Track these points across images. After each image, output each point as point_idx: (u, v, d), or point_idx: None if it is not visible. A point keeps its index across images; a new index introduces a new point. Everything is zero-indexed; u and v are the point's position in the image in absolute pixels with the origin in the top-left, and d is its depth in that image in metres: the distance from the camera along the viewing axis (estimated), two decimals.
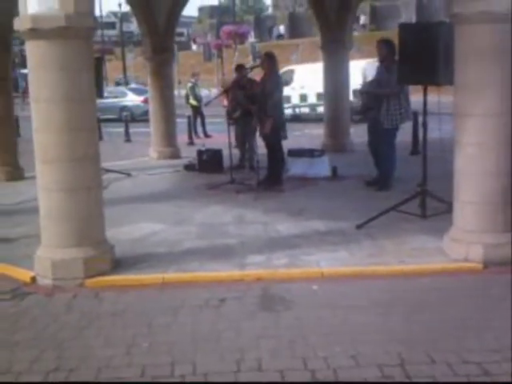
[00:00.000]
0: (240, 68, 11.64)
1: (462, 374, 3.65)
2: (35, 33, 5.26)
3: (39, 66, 5.37)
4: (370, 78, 8.78)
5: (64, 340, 4.39)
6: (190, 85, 19.35)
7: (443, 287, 5.13)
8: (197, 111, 18.65)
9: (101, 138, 17.50)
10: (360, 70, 17.47)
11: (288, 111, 18.76)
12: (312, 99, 21.56)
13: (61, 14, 5.18)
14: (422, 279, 5.31)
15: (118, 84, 39.85)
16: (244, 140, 10.92)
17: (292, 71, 23.69)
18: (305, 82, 21.65)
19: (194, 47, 57.57)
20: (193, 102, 18.70)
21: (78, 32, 5.35)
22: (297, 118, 21.36)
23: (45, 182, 5.48)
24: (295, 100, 22.31)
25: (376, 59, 9.21)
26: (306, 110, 22.01)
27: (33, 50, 5.40)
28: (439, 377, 3.63)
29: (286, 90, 20.45)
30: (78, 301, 5.16)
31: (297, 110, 21.82)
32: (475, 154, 5.55)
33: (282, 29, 43.99)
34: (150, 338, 4.36)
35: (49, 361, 4.06)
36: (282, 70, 23.90)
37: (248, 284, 5.33)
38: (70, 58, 5.32)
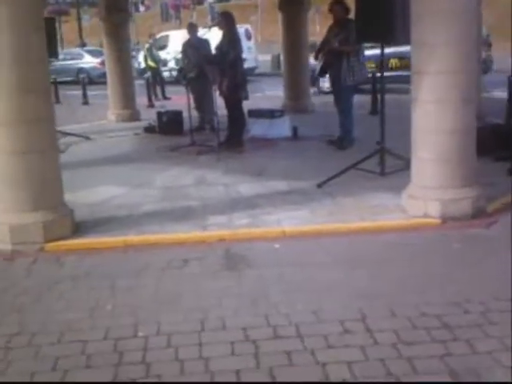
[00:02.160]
0: (191, 27, 11.52)
1: (421, 327, 3.74)
2: None
3: None
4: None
5: (25, 304, 4.34)
6: (147, 46, 19.04)
7: (403, 243, 5.22)
8: (155, 72, 18.39)
9: (58, 100, 17.24)
10: None
11: (165, 74, 19.20)
12: (171, 64, 21.21)
13: None
14: (382, 236, 5.39)
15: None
16: (202, 101, 10.82)
17: (167, 37, 24.09)
18: (179, 46, 21.45)
19: (142, 9, 56.46)
20: (151, 63, 18.43)
21: None
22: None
23: None
24: (171, 64, 22.04)
25: None
26: (166, 73, 21.68)
27: None
28: (399, 330, 3.71)
29: (162, 55, 20.53)
30: (39, 265, 5.10)
31: (173, 73, 21.57)
32: (432, 111, 5.60)
33: None
34: (113, 300, 4.34)
35: (10, 325, 4.02)
36: (158, 35, 24.12)
37: (210, 245, 5.34)
38: (19, 18, 5.16)
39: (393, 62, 15.56)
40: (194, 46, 10.46)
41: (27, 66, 5.24)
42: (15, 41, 5.16)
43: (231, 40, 8.88)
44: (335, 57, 8.55)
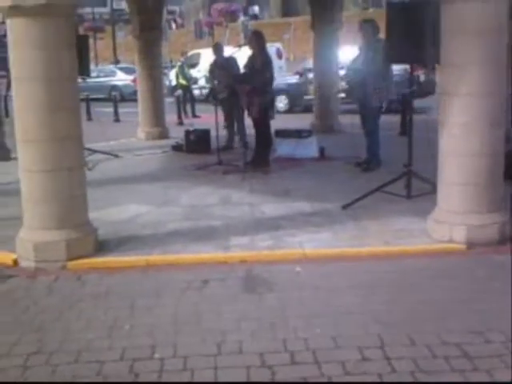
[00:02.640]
0: (217, 47, 11.59)
1: (440, 356, 3.66)
2: (15, 10, 5.17)
3: (19, 45, 5.29)
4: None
5: (45, 323, 4.37)
6: (179, 64, 19.23)
7: (426, 268, 5.14)
8: (186, 90, 18.54)
9: (90, 117, 17.49)
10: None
11: (196, 92, 19.60)
12: (202, 82, 21.23)
13: None
14: (405, 260, 5.32)
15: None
16: (233, 120, 10.88)
17: (198, 55, 24.06)
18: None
19: (174, 26, 56.90)
20: (182, 81, 18.59)
21: (59, 9, 5.27)
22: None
23: (26, 163, 5.44)
24: (201, 82, 22.06)
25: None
26: (197, 91, 21.63)
27: (13, 28, 5.32)
28: (418, 358, 3.64)
29: (193, 73, 20.58)
30: (60, 283, 5.14)
31: (203, 91, 21.58)
32: (459, 135, 5.53)
33: (256, 9, 43.45)
34: (132, 320, 4.35)
35: (29, 344, 4.04)
36: (190, 53, 24.15)
37: (231, 266, 5.33)
38: (51, 36, 5.24)
39: None
40: (222, 66, 10.51)
41: (57, 84, 5.31)
42: (46, 58, 5.25)
43: (265, 61, 8.90)
44: (361, 78, 8.51)
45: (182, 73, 18.66)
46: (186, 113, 18.00)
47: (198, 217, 6.78)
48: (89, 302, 4.72)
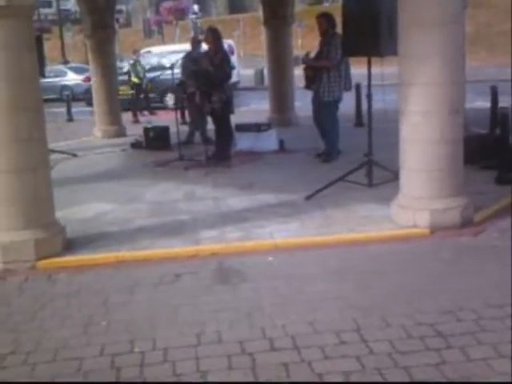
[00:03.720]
0: (195, 41, 11.61)
1: (416, 336, 3.77)
2: None
3: None
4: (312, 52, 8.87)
5: (19, 323, 4.32)
6: (131, 62, 19.02)
7: (393, 253, 5.27)
8: (139, 88, 18.36)
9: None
10: None
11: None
12: None
13: None
14: (372, 246, 5.44)
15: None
16: (194, 115, 10.82)
17: (149, 53, 24.14)
18: (162, 61, 21.39)
19: (117, 26, 56.16)
20: (134, 79, 18.38)
21: (19, 10, 5.23)
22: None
23: None
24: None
25: None
26: None
27: None
28: (394, 339, 3.75)
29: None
30: (31, 283, 5.08)
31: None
32: (420, 122, 5.67)
33: (196, 7, 43.66)
34: (108, 316, 4.34)
35: (4, 344, 4.00)
36: (142, 51, 24.02)
37: (203, 259, 5.36)
38: (11, 38, 5.19)
39: None
40: (195, 61, 10.45)
41: (20, 85, 5.26)
42: (7, 59, 5.19)
43: (224, 57, 8.94)
44: (315, 71, 8.62)
45: (135, 71, 18.47)
46: (140, 111, 17.81)
47: (164, 212, 6.77)
48: (62, 301, 4.68)
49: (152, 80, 18.50)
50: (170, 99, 19.27)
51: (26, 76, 5.30)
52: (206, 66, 8.84)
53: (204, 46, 10.35)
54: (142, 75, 18.43)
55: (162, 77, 16.32)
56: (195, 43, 11.57)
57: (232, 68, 8.93)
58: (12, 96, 5.22)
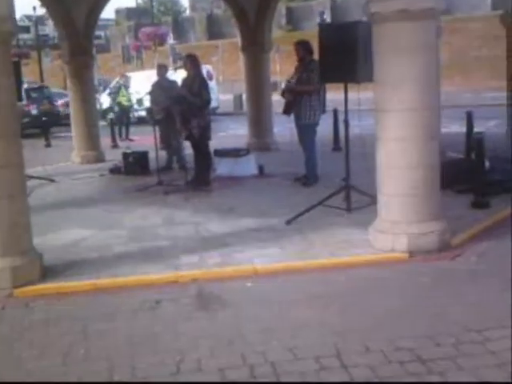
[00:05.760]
0: (161, 68, 11.62)
1: (395, 361, 3.78)
2: None
3: None
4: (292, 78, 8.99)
5: None
6: (118, 85, 18.98)
7: (373, 278, 5.29)
8: (126, 112, 18.17)
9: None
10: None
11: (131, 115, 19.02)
12: (147, 103, 21.16)
13: None
14: (351, 271, 5.46)
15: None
16: (170, 141, 10.87)
17: (129, 78, 24.15)
18: (140, 87, 21.42)
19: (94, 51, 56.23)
20: (125, 102, 18.14)
21: None
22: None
23: None
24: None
25: None
26: (143, 113, 21.49)
27: None
28: (374, 365, 3.75)
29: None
30: (8, 311, 5.02)
31: (135, 114, 21.48)
32: (396, 149, 5.74)
33: (170, 36, 44.18)
34: (86, 344, 4.30)
35: None
36: (118, 77, 24.00)
37: (183, 285, 5.33)
38: None
39: None
40: (163, 88, 10.52)
41: None
42: None
43: (202, 83, 9.01)
44: (296, 96, 8.73)
45: (126, 93, 18.29)
46: (120, 135, 17.69)
47: (144, 238, 6.74)
48: (40, 329, 4.62)
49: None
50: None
51: (2, 102, 5.27)
52: (184, 92, 8.91)
53: (170, 73, 10.42)
54: (130, 98, 18.22)
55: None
56: (162, 70, 11.57)
57: (209, 96, 8.97)
58: None
